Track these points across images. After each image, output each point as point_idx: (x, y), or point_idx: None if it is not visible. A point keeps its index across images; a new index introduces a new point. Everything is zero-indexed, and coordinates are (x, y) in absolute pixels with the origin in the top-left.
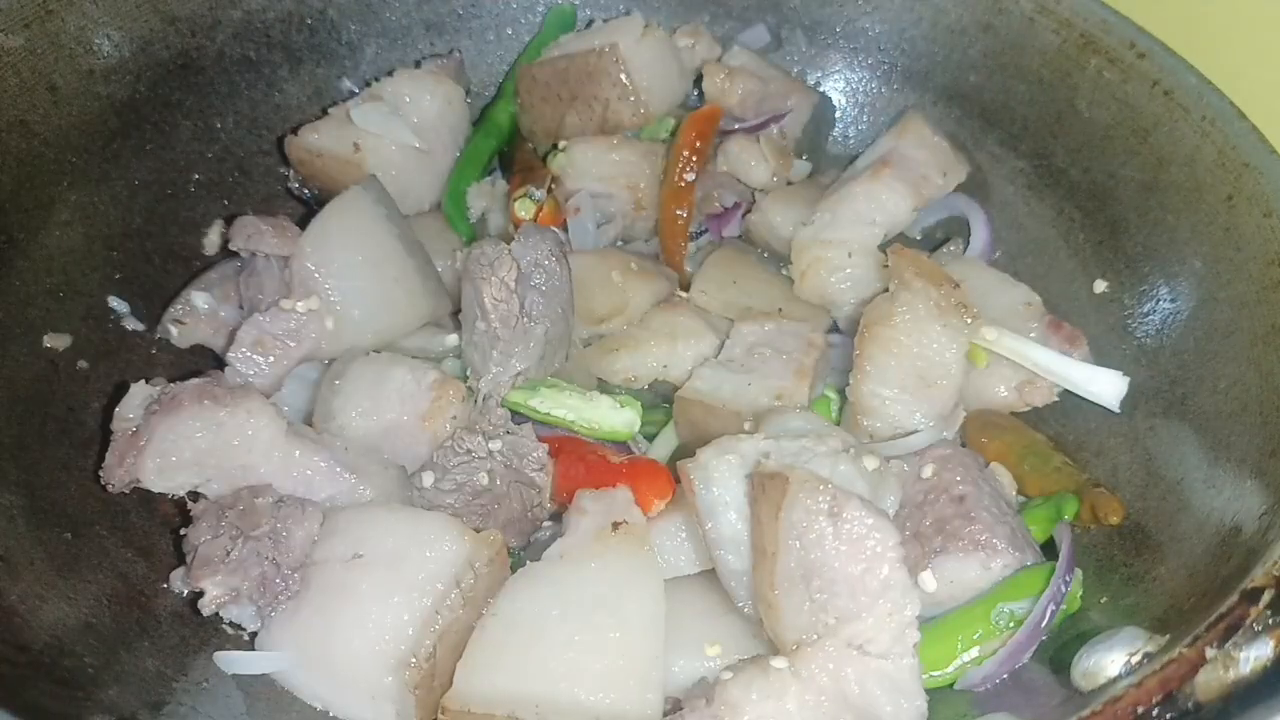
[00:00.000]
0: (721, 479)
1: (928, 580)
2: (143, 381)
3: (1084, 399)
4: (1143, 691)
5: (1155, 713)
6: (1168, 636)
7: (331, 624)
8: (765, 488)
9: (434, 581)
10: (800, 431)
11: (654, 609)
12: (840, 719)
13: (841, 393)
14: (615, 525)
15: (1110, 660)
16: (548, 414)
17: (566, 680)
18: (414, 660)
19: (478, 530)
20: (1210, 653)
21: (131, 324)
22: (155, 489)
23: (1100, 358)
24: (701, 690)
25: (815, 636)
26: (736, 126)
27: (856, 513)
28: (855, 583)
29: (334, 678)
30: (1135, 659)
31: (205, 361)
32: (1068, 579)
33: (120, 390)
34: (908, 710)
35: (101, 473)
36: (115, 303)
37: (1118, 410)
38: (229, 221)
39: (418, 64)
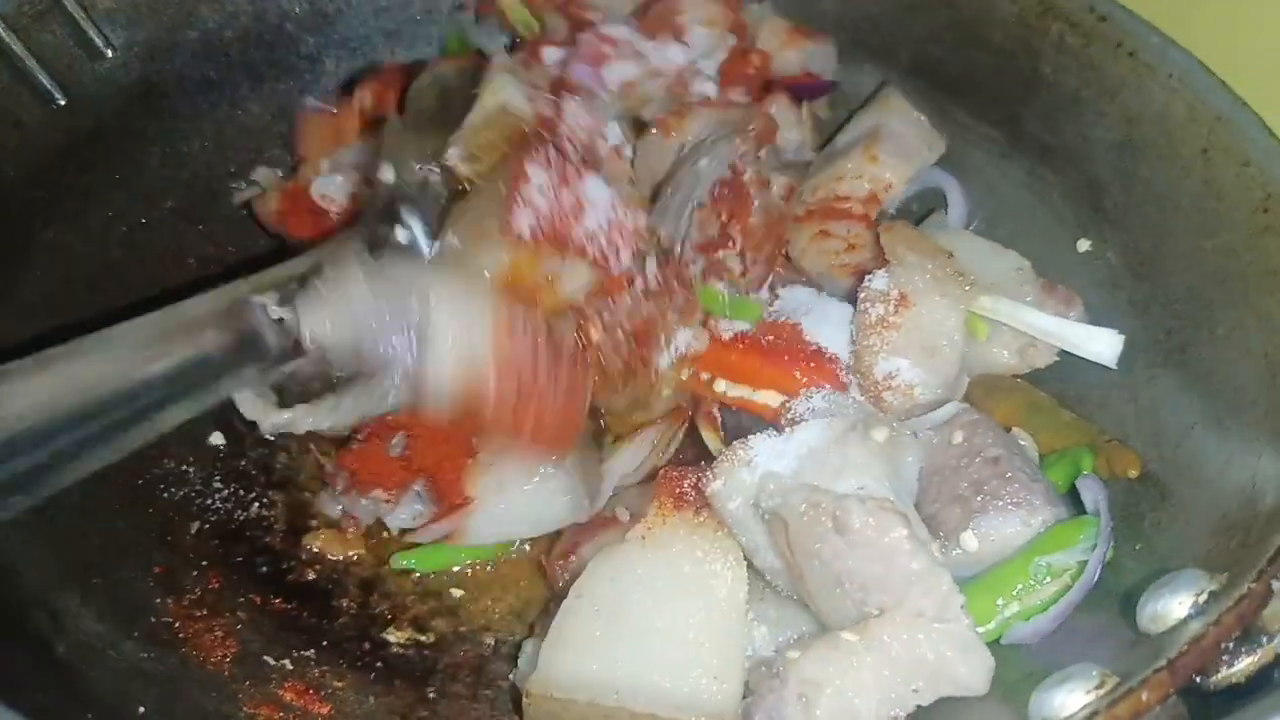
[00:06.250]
0: (739, 498)
1: (969, 540)
2: None
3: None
4: (1223, 629)
5: (1231, 646)
6: (1227, 574)
7: None
8: (771, 526)
9: None
10: (817, 411)
11: (738, 592)
12: (911, 684)
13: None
14: (697, 510)
15: (1177, 602)
16: None
17: (647, 666)
18: None
19: None
20: (1276, 585)
21: None
22: None
23: (1092, 315)
24: (771, 672)
25: (877, 612)
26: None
27: (860, 519)
28: (883, 579)
29: None
30: (1202, 599)
31: None
32: (1110, 532)
33: None
34: (979, 667)
35: None
36: None
37: (1115, 367)
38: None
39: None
